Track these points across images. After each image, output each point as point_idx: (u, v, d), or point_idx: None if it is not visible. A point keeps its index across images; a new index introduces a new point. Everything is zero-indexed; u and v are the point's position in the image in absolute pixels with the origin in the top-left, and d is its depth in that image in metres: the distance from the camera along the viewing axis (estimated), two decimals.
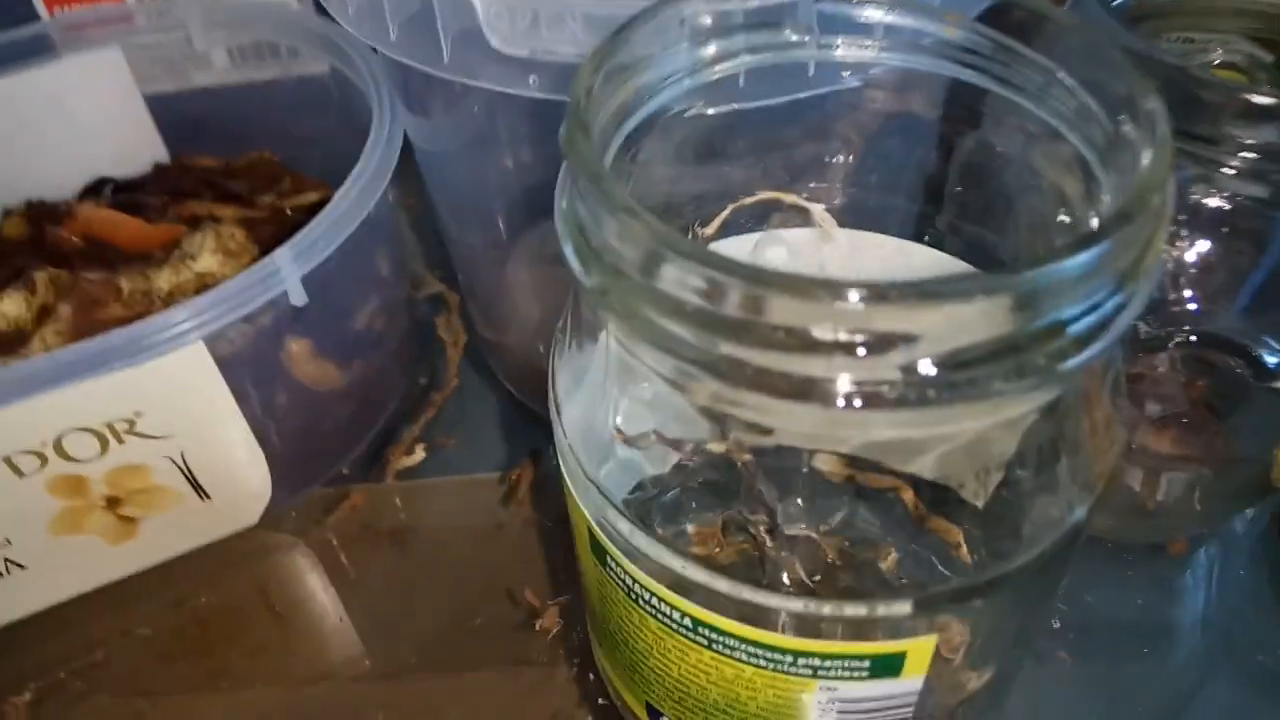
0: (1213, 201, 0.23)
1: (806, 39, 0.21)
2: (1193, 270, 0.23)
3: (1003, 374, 0.15)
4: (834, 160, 0.25)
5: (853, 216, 0.26)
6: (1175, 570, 0.31)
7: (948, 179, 0.24)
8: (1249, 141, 0.21)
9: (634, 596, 0.20)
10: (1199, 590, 0.31)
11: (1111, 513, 0.30)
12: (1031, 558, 0.19)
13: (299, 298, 0.29)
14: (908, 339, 0.14)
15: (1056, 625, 0.29)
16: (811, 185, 0.25)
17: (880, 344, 0.14)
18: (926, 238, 0.25)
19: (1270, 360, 0.23)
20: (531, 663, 0.29)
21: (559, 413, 0.20)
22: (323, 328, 0.32)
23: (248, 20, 0.39)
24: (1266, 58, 0.30)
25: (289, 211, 0.37)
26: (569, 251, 0.17)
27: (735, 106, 0.22)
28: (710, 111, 0.22)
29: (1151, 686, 0.28)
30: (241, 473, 0.32)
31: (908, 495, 0.23)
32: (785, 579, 0.23)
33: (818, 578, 0.23)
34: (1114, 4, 0.26)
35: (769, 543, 0.22)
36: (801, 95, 0.22)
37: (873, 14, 0.21)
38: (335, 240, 0.29)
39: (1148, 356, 0.25)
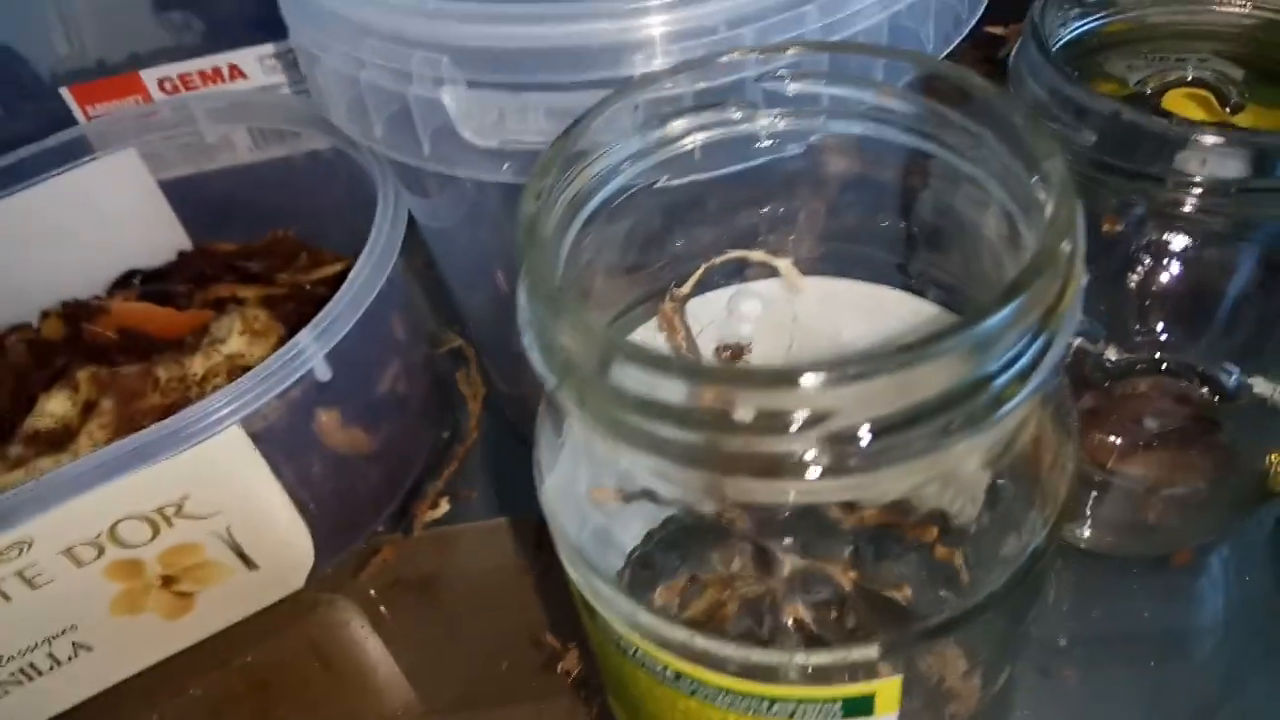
0: (1175, 237, 0.24)
1: (753, 114, 0.23)
2: (1159, 302, 0.24)
3: (935, 432, 0.16)
4: (810, 215, 0.27)
5: (833, 265, 0.27)
6: (1180, 580, 0.31)
7: (914, 230, 0.25)
8: (1198, 179, 0.22)
9: (622, 649, 0.21)
10: (1206, 599, 0.31)
11: (1111, 530, 0.30)
12: (990, 592, 0.20)
13: (324, 374, 0.31)
14: (825, 416, 0.16)
15: (1063, 643, 0.30)
16: (789, 239, 0.27)
17: (806, 422, 0.16)
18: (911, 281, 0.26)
19: (1229, 383, 0.24)
20: (555, 703, 0.31)
21: (541, 481, 0.22)
22: (349, 396, 0.34)
23: (250, 110, 0.41)
24: (1237, 74, 0.30)
25: (308, 287, 0.39)
26: (528, 342, 0.18)
27: (695, 178, 0.24)
28: (674, 183, 0.24)
29: (1162, 699, 0.29)
30: (285, 541, 0.34)
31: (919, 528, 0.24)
32: (782, 623, 0.24)
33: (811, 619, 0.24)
34: (1056, 47, 0.26)
35: (755, 592, 0.24)
36: (755, 163, 0.23)
37: (813, 87, 0.22)
38: (353, 317, 0.31)
39: (1121, 384, 0.25)
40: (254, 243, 0.44)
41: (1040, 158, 0.18)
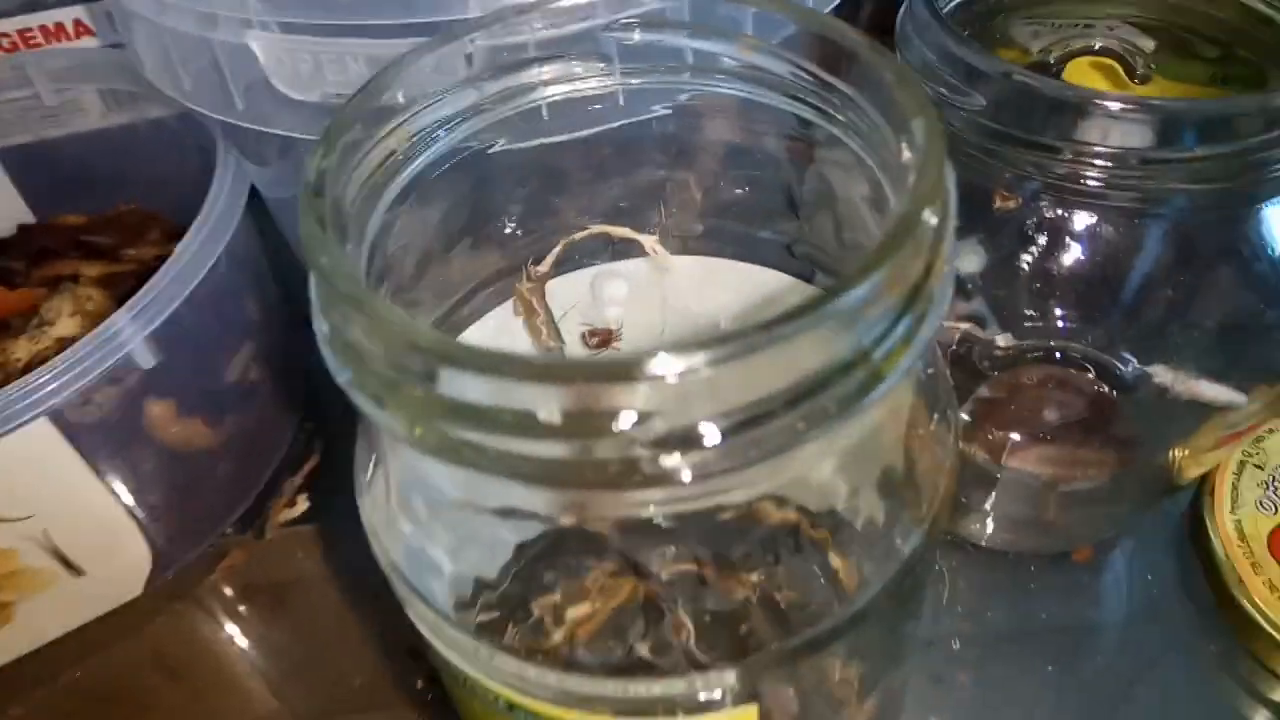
0: (1073, 213, 0.22)
1: (608, 68, 0.20)
2: (1055, 284, 0.22)
3: (791, 426, 0.14)
4: (682, 187, 0.24)
5: (713, 244, 0.24)
6: (1081, 577, 0.30)
7: (797, 203, 0.23)
8: (1099, 149, 0.20)
9: (453, 676, 0.19)
10: (1106, 596, 0.30)
11: (1009, 526, 0.29)
12: (869, 598, 0.18)
13: (147, 359, 0.28)
14: (660, 413, 0.13)
15: (956, 646, 0.28)
16: (661, 215, 0.24)
17: (636, 421, 0.13)
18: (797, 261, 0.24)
19: (1127, 373, 0.22)
20: (416, 716, 0.28)
21: (360, 494, 0.19)
22: (185, 385, 0.30)
23: (97, 70, 0.37)
24: (1147, 44, 0.28)
25: (153, 263, 0.35)
26: (320, 336, 0.16)
27: (544, 141, 0.21)
28: (518, 146, 0.21)
29: (1059, 700, 0.27)
30: (115, 545, 0.31)
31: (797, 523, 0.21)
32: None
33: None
34: (948, 9, 0.24)
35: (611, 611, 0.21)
36: (612, 125, 0.21)
37: (673, 39, 0.19)
38: (179, 295, 0.28)
39: (1014, 373, 0.23)
40: (105, 215, 0.40)
41: (908, 116, 0.15)
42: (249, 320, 0.33)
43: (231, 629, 0.32)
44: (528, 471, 0.14)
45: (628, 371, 0.13)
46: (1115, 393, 0.23)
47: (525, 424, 0.13)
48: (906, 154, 0.16)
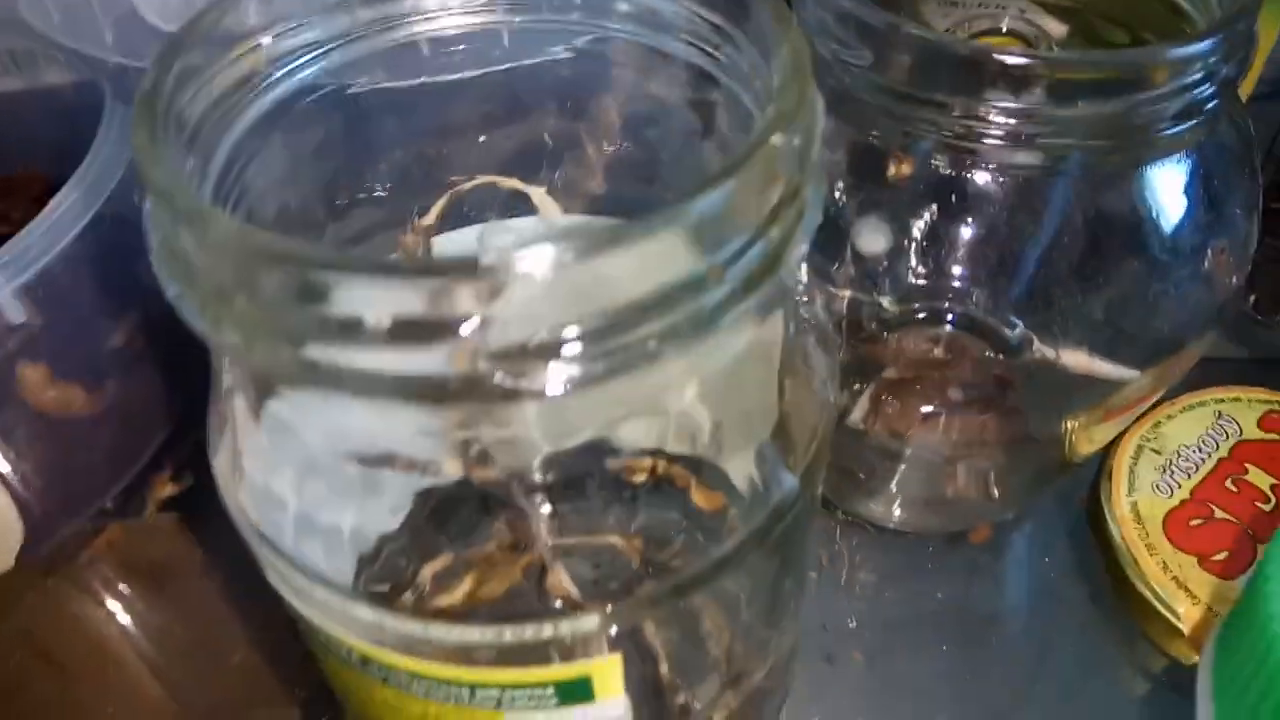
0: (966, 172, 0.22)
1: (492, 3, 0.19)
2: (945, 246, 0.22)
3: (651, 334, 0.13)
4: (582, 144, 0.23)
5: (611, 204, 0.24)
6: (979, 558, 0.30)
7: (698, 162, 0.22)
8: (994, 105, 0.20)
9: (310, 632, 0.18)
10: (1004, 578, 0.29)
11: (907, 504, 0.28)
12: (736, 543, 0.17)
13: (17, 314, 0.26)
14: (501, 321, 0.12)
15: (853, 625, 0.28)
16: (561, 173, 0.24)
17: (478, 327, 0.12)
18: None
19: (1013, 337, 0.22)
20: (292, 712, 0.27)
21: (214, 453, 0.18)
22: (62, 348, 0.29)
23: None
24: (1057, 28, 0.29)
25: None
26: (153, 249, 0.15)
27: (424, 80, 0.20)
28: (396, 85, 0.20)
29: (956, 683, 0.27)
30: None
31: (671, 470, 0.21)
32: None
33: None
34: None
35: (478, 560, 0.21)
36: (499, 68, 0.20)
37: None
38: (52, 248, 0.27)
39: (902, 336, 0.23)
40: None
41: (774, 46, 0.15)
42: (137, 285, 0.31)
43: (109, 608, 0.31)
44: (369, 388, 0.13)
45: (465, 269, 0.12)
46: (1004, 356, 0.22)
47: (353, 330, 0.12)
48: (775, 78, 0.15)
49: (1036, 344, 0.23)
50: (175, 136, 0.15)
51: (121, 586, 0.31)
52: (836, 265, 0.23)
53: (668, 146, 0.22)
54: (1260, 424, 0.31)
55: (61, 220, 0.27)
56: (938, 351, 0.23)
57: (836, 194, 0.23)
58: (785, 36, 0.15)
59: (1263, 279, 0.34)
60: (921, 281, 0.22)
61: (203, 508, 0.32)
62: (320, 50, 0.18)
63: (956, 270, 0.22)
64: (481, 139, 0.22)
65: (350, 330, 0.12)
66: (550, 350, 0.13)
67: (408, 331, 0.12)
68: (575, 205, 0.24)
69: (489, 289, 0.12)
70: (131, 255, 0.31)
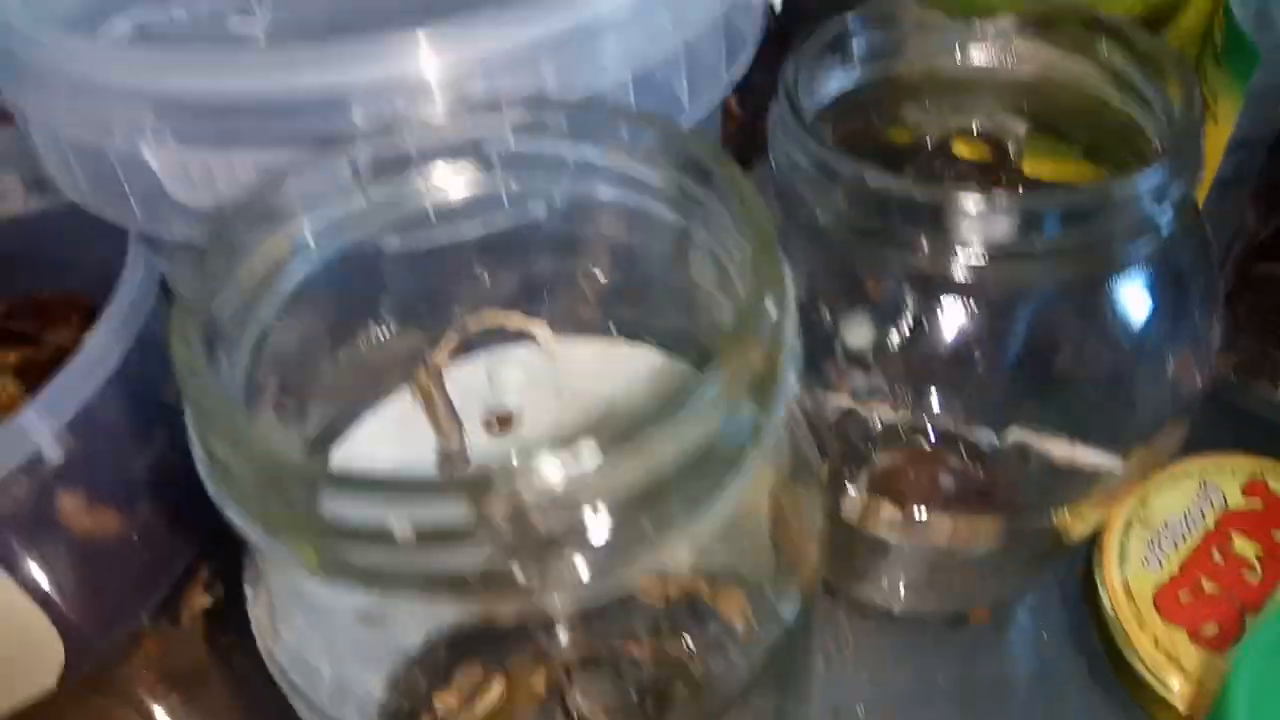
0: (936, 302, 0.23)
1: (490, 172, 0.21)
2: (925, 365, 0.23)
3: (657, 520, 0.15)
4: (571, 278, 0.25)
5: (605, 327, 0.25)
6: (979, 638, 0.31)
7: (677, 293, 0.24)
8: (955, 246, 0.21)
9: None
10: (1004, 657, 0.31)
11: (906, 592, 0.30)
12: (746, 673, 0.19)
13: (55, 454, 0.28)
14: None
15: (860, 712, 0.29)
16: (555, 301, 0.25)
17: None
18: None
19: (994, 445, 0.23)
20: None
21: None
22: (97, 474, 0.30)
23: (16, 154, 0.38)
24: (1020, 127, 0.30)
25: (72, 348, 0.35)
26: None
27: (437, 239, 0.22)
28: (409, 246, 0.22)
29: None
30: (26, 638, 0.31)
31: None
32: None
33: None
34: (827, 101, 0.26)
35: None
36: (498, 225, 0.22)
37: (551, 147, 0.21)
38: (90, 387, 0.28)
39: (892, 448, 0.24)
40: (25, 300, 0.40)
41: (747, 236, 0.17)
42: (163, 405, 0.33)
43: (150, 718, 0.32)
44: (408, 584, 0.14)
45: (478, 485, 0.13)
46: (988, 467, 0.24)
47: (380, 538, 0.14)
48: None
49: (1017, 443, 0.24)
50: (208, 335, 0.17)
51: (161, 696, 0.32)
52: (818, 379, 0.25)
53: (652, 274, 0.24)
54: (1244, 491, 0.33)
55: (95, 362, 0.28)
56: (922, 463, 0.24)
57: (817, 311, 0.25)
58: (755, 235, 0.17)
59: (1243, 342, 0.36)
60: (906, 397, 0.24)
61: (237, 616, 0.34)
62: (339, 228, 0.20)
63: (938, 385, 0.24)
64: (486, 281, 0.24)
65: (377, 538, 0.14)
66: (573, 542, 0.14)
67: (433, 538, 0.14)
68: (571, 328, 0.25)
69: (509, 501, 0.13)
70: (156, 379, 0.33)
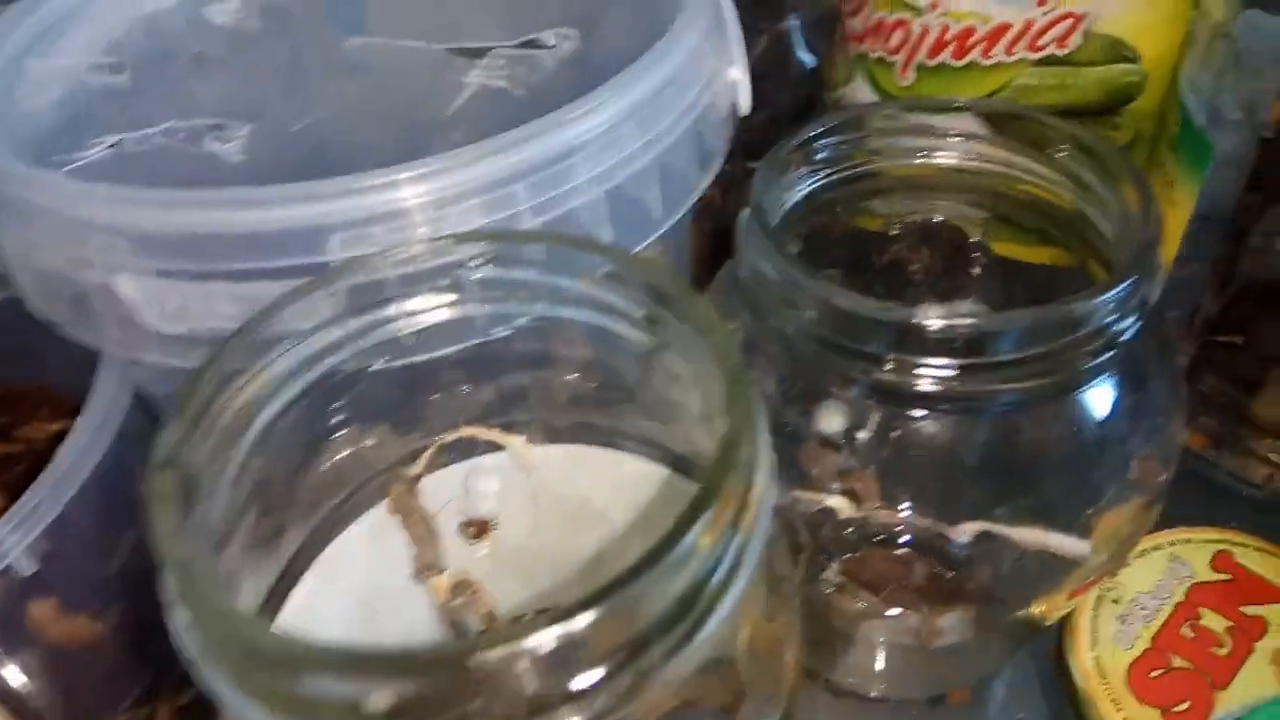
0: (903, 412, 0.23)
1: (465, 297, 0.22)
2: (894, 468, 0.24)
3: (639, 670, 0.15)
4: (542, 389, 0.25)
5: (579, 435, 0.26)
6: (959, 717, 0.31)
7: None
8: (918, 361, 0.22)
9: None
10: None
11: (884, 678, 0.30)
12: None
13: (27, 567, 0.28)
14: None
15: None
16: (529, 411, 0.25)
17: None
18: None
19: (961, 544, 0.24)
20: None
21: None
22: (69, 582, 0.30)
23: None
24: (980, 215, 0.31)
25: (42, 445, 0.35)
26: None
27: (414, 359, 0.22)
28: (385, 367, 0.22)
29: None
30: None
31: None
32: None
33: None
34: (795, 201, 0.26)
35: None
36: (472, 343, 0.22)
37: (523, 274, 0.21)
38: (63, 499, 0.28)
39: (863, 547, 0.25)
40: None
41: (717, 373, 0.17)
42: (135, 502, 0.33)
43: None
44: None
45: (460, 657, 0.14)
46: (960, 562, 0.24)
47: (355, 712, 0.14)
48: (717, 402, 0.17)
49: (987, 536, 0.24)
50: (184, 490, 0.17)
51: None
52: (791, 475, 0.25)
53: (624, 384, 0.24)
54: (1212, 564, 0.33)
55: (69, 471, 0.28)
56: (894, 559, 0.25)
57: (788, 408, 0.25)
58: (725, 373, 0.17)
59: (1208, 416, 0.36)
60: (876, 500, 0.24)
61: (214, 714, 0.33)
62: (317, 360, 0.20)
63: (906, 489, 0.24)
64: (461, 393, 0.24)
65: (357, 712, 0.14)
66: (556, 704, 0.14)
67: (408, 709, 0.14)
68: (546, 436, 0.26)
69: (488, 677, 0.14)
70: (128, 477, 0.33)
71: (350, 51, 0.28)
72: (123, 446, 0.31)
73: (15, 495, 0.33)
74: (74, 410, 0.37)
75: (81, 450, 0.29)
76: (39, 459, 0.35)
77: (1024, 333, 0.21)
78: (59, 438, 0.36)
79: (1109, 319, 0.22)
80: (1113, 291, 0.21)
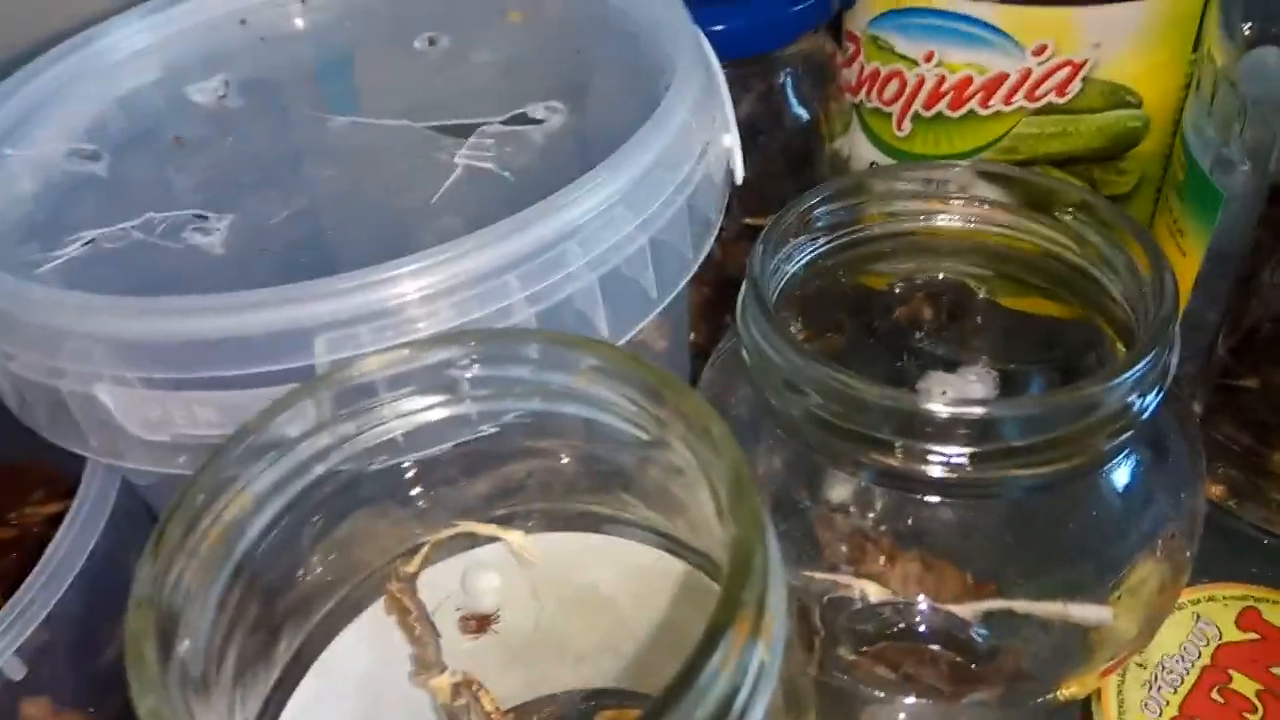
0: (911, 498, 0.23)
1: (457, 396, 0.21)
2: (902, 560, 0.23)
3: None
4: (550, 478, 0.24)
5: (582, 522, 0.25)
6: None
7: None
8: (927, 447, 0.21)
9: None
10: None
11: None
12: None
13: (17, 671, 0.27)
14: None
15: None
16: (533, 502, 0.25)
17: None
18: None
19: (981, 638, 0.23)
20: None
21: None
22: (61, 679, 0.29)
23: None
24: (984, 272, 0.30)
25: (36, 528, 0.34)
26: None
27: (405, 459, 0.22)
28: (377, 468, 0.21)
29: None
30: None
31: None
32: None
33: None
34: (793, 273, 0.26)
35: None
36: (462, 440, 0.21)
37: (516, 371, 0.20)
38: (52, 599, 0.27)
39: (881, 636, 0.24)
40: None
41: (714, 486, 0.16)
42: (126, 588, 0.32)
43: None
44: None
45: None
46: (981, 648, 0.23)
47: None
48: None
49: (1008, 615, 0.23)
50: (165, 624, 0.16)
51: None
52: (804, 558, 0.24)
53: (622, 474, 0.23)
54: (1238, 623, 0.32)
55: (58, 571, 0.27)
56: (913, 647, 0.24)
57: (797, 491, 0.25)
58: (738, 510, 0.16)
59: (1225, 466, 0.35)
60: (890, 593, 0.23)
61: None
62: (306, 469, 0.19)
63: (919, 579, 0.23)
64: (457, 487, 0.24)
65: None
66: None
67: None
68: (548, 525, 0.25)
69: None
70: (117, 566, 0.32)
71: (335, 132, 0.27)
72: (112, 535, 0.30)
73: (9, 584, 0.32)
74: (71, 490, 0.37)
75: (70, 550, 0.28)
76: (36, 542, 0.34)
77: (1038, 418, 0.20)
78: (56, 520, 0.35)
79: (1128, 399, 0.21)
80: (1131, 371, 0.20)
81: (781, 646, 0.16)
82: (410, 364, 0.20)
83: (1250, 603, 0.33)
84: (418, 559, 0.24)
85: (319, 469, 0.20)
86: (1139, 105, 0.34)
